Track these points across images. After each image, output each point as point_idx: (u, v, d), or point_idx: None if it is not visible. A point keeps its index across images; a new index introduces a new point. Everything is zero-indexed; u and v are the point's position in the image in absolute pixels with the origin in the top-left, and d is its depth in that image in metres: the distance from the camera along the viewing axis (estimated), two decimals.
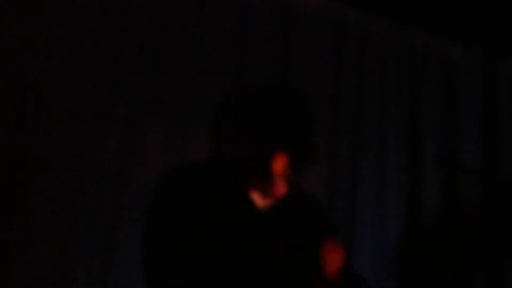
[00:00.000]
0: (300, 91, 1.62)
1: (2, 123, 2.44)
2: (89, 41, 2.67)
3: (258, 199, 1.55)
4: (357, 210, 3.11)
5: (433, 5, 3.24)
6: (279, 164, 1.49)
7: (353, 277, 1.63)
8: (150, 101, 2.76)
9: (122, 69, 2.72)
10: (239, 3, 3.01)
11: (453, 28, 3.47)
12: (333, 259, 1.51)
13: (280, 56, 3.06)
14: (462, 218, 3.35)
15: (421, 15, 3.36)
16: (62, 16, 2.63)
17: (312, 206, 1.67)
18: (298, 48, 3.11)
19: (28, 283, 2.38)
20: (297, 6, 3.15)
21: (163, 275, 1.43)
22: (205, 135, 1.61)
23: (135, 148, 2.69)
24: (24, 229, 2.41)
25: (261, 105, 1.51)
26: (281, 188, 1.52)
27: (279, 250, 1.52)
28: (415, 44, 3.51)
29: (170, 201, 1.46)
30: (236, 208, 1.51)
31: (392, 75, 3.41)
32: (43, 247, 2.43)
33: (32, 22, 2.57)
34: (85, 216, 2.52)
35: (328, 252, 1.51)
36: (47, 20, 2.60)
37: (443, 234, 3.29)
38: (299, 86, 3.01)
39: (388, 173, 3.26)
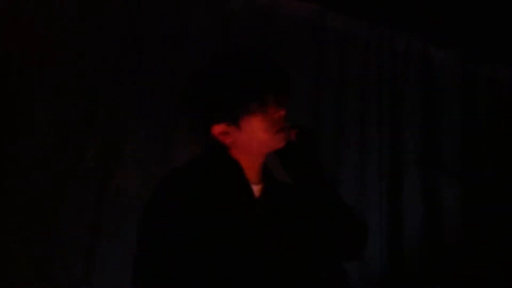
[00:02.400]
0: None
1: None
2: (68, 41, 2.65)
3: (255, 186, 1.57)
4: None
5: (414, 7, 3.27)
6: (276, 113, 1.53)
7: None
8: (131, 103, 2.75)
9: (102, 70, 2.70)
10: (222, 7, 3.02)
11: (434, 30, 3.50)
12: None
13: None
14: (441, 217, 3.38)
15: (402, 17, 3.39)
16: (41, 16, 2.61)
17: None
18: (278, 51, 3.12)
19: (10, 283, 2.37)
20: (277, 9, 3.16)
21: (160, 274, 1.41)
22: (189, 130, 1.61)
23: (115, 152, 2.67)
24: (3, 231, 2.39)
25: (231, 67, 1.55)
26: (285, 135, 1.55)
27: (284, 232, 1.55)
28: (396, 46, 3.54)
29: (168, 202, 1.46)
30: (236, 198, 1.52)
31: (374, 77, 3.43)
32: (24, 248, 2.41)
33: (10, 22, 2.55)
34: (66, 220, 2.51)
35: None
36: (26, 20, 2.58)
37: (423, 232, 3.32)
38: None
39: (369, 173, 3.29)
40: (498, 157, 3.61)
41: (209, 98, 1.54)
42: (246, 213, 1.51)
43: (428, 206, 3.38)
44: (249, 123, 1.52)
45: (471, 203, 3.43)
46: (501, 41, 3.50)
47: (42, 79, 2.57)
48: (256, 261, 1.47)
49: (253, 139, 1.54)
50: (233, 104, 1.51)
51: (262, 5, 3.12)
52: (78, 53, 2.66)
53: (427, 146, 3.49)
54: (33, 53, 2.57)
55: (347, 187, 3.19)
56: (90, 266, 2.51)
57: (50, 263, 2.45)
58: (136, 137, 2.73)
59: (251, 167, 1.58)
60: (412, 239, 3.27)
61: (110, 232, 2.54)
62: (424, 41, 3.61)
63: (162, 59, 2.85)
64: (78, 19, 2.68)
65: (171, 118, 2.79)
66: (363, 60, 3.42)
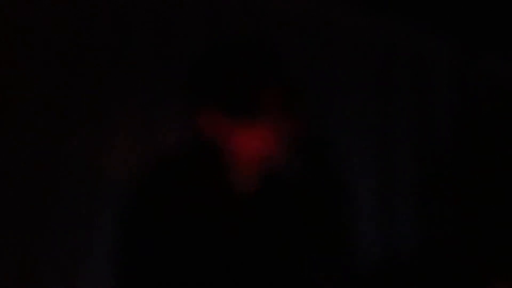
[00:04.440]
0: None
1: None
2: (52, 25, 2.59)
3: (241, 183, 1.49)
4: None
5: None
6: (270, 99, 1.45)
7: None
8: (119, 88, 2.68)
9: (88, 53, 2.64)
10: None
11: (430, 19, 3.46)
12: None
13: None
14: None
15: (397, 5, 3.34)
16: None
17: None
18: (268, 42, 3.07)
19: None
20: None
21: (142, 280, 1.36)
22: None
23: (104, 140, 2.62)
24: None
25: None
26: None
27: (275, 232, 1.48)
28: (390, 35, 3.47)
29: (148, 202, 1.39)
30: (219, 198, 1.44)
31: (366, 70, 3.36)
32: (9, 246, 2.37)
33: None
34: (54, 214, 2.47)
35: None
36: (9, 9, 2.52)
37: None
38: None
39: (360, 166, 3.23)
40: (496, 153, 3.58)
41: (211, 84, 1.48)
42: (229, 213, 1.43)
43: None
44: (242, 132, 1.44)
45: (467, 200, 3.41)
46: (498, 31, 3.47)
47: (28, 66, 2.51)
48: (248, 256, 1.41)
49: (240, 149, 1.46)
50: (229, 99, 1.43)
51: None
52: (62, 37, 2.59)
53: (420, 139, 3.44)
54: (18, 40, 2.51)
55: None
56: (76, 265, 2.46)
57: (36, 261, 2.41)
58: (125, 123, 2.66)
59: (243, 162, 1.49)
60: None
61: (99, 227, 2.49)
62: (420, 30, 3.55)
63: (149, 40, 2.78)
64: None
65: (161, 101, 2.72)
66: (355, 51, 3.34)
